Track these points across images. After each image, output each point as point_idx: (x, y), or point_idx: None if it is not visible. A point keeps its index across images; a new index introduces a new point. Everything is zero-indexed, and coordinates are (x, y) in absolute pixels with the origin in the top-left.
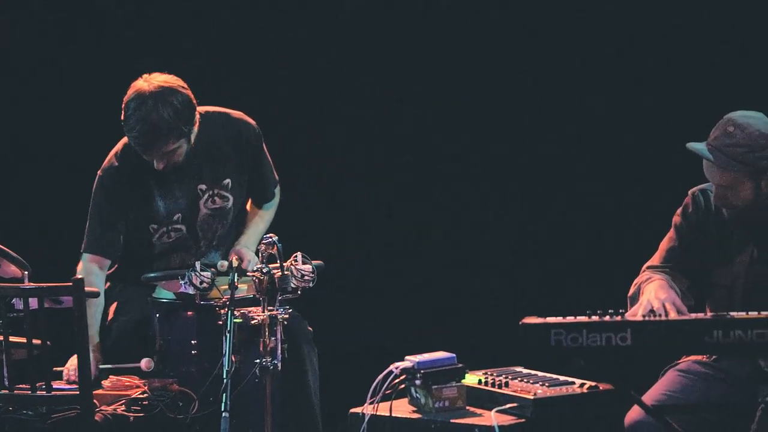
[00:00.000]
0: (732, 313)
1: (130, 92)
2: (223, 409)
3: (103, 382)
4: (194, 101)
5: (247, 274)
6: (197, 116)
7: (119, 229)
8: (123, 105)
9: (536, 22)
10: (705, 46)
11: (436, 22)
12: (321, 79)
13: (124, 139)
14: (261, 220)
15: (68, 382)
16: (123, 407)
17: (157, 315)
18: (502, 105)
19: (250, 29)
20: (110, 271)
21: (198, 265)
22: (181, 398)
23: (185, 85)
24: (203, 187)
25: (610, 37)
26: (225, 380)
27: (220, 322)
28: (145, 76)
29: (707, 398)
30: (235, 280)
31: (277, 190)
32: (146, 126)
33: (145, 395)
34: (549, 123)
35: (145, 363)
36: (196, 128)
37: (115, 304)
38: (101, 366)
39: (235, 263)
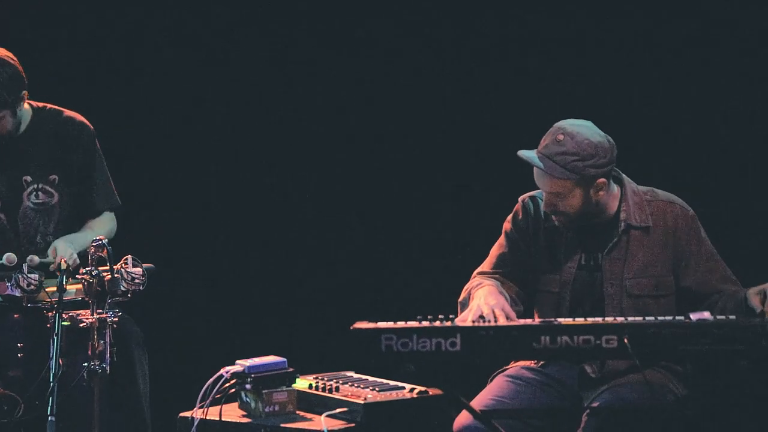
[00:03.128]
0: (559, 319)
1: None
2: (49, 413)
3: None
4: (23, 76)
5: (77, 276)
6: (25, 94)
7: None
8: None
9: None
10: (534, 55)
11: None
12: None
13: None
14: (92, 232)
15: None
16: None
17: None
18: (323, 108)
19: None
20: None
21: (25, 267)
22: (6, 401)
23: (15, 59)
24: (28, 178)
25: (437, 42)
26: (52, 383)
27: (48, 325)
28: None
29: (535, 403)
30: (64, 282)
31: (110, 217)
32: None
33: None
34: (385, 128)
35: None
36: (24, 106)
37: None
38: None
39: (53, 258)
